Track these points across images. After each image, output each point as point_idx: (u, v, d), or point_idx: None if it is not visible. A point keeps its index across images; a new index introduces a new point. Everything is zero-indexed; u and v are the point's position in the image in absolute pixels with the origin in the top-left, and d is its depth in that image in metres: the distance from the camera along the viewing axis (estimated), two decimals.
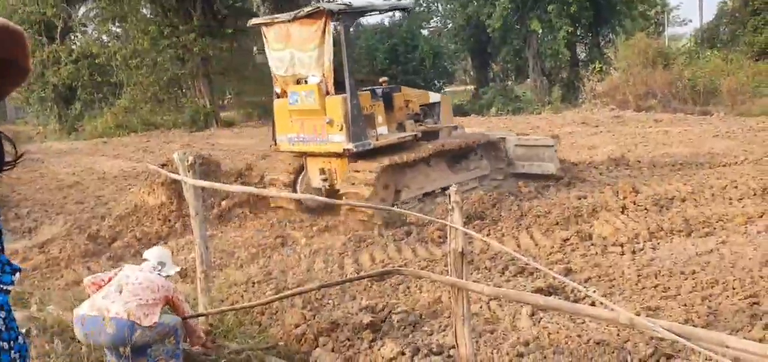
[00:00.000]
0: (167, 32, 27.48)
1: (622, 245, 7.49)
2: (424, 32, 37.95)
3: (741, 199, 8.92)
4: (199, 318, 5.08)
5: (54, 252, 9.18)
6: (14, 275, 1.68)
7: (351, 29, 10.60)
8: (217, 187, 6.58)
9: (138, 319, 4.10)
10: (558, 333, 5.22)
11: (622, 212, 8.83)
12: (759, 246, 7.02)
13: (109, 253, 9.13)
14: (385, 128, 9.83)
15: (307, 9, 9.28)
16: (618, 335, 5.06)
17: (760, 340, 4.61)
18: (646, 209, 8.79)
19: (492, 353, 4.91)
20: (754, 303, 5.52)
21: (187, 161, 5.40)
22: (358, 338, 5.34)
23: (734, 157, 12.01)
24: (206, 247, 5.65)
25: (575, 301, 5.67)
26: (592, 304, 5.24)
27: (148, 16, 29.56)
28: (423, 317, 5.79)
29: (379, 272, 6.14)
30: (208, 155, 12.79)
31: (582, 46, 31.81)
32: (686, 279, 6.27)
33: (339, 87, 9.27)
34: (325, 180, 9.95)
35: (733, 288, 5.90)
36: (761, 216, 8.03)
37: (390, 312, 5.88)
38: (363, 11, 10.22)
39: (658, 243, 7.50)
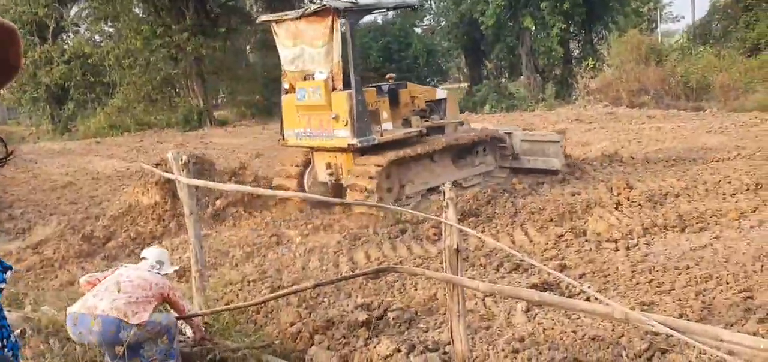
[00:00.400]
0: (160, 32, 27.42)
1: (616, 241, 7.51)
2: (418, 30, 38.01)
3: (734, 194, 8.97)
4: (195, 317, 5.07)
5: (48, 252, 9.14)
6: (6, 273, 1.68)
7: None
8: (211, 186, 6.56)
9: (125, 317, 4.06)
10: (553, 329, 5.23)
11: (616, 208, 8.86)
12: (752, 240, 7.06)
13: (104, 253, 9.09)
14: (390, 124, 10.00)
15: (315, 6, 9.39)
16: (613, 331, 5.08)
17: (754, 334, 4.63)
18: (639, 205, 8.82)
19: (487, 349, 4.92)
20: (748, 298, 5.55)
21: (181, 160, 5.38)
22: (354, 336, 5.33)
23: (727, 152, 12.06)
24: (201, 246, 5.63)
25: (570, 297, 5.68)
26: (587, 300, 5.26)
27: (141, 15, 29.49)
28: (418, 314, 5.80)
29: (374, 270, 6.12)
30: (201, 154, 12.77)
31: (575, 43, 31.87)
32: (680, 274, 6.30)
33: (348, 83, 9.40)
34: (331, 174, 10.13)
35: (727, 283, 5.93)
36: (754, 211, 8.07)
37: (385, 309, 5.89)
38: (370, 8, 10.32)
39: (652, 239, 7.53)
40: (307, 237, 8.84)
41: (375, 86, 10.27)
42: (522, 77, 31.01)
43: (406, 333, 5.43)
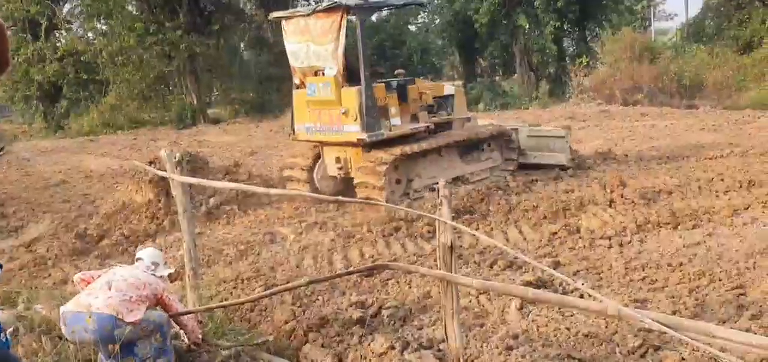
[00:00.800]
0: (153, 29, 27.28)
1: (609, 238, 7.54)
2: (412, 28, 37.94)
3: (727, 192, 9.00)
4: (190, 315, 5.05)
5: (41, 251, 9.10)
6: None
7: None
8: (205, 184, 6.55)
9: (120, 315, 4.05)
10: (547, 325, 5.25)
11: (610, 205, 8.88)
12: (745, 238, 7.09)
13: (97, 251, 9.06)
14: (398, 119, 10.11)
15: (325, 3, 9.51)
16: (606, 327, 5.10)
17: (747, 330, 4.65)
18: (633, 202, 8.85)
19: (481, 346, 4.93)
20: (741, 295, 5.58)
21: (175, 158, 5.37)
22: (348, 333, 5.34)
23: (720, 150, 12.10)
24: (194, 244, 5.62)
25: (564, 294, 5.70)
26: (581, 297, 5.27)
27: (134, 13, 29.31)
28: (412, 312, 5.81)
29: (368, 267, 6.13)
30: (195, 152, 12.73)
31: (569, 41, 31.91)
32: (673, 271, 6.32)
33: (355, 79, 9.53)
34: (340, 168, 10.28)
35: (720, 280, 5.96)
36: (747, 209, 8.11)
37: (380, 307, 5.89)
38: (380, 5, 10.39)
39: (646, 236, 7.56)
40: (301, 235, 8.83)
41: (384, 82, 10.42)
42: (516, 75, 31.02)
43: (400, 330, 5.44)
